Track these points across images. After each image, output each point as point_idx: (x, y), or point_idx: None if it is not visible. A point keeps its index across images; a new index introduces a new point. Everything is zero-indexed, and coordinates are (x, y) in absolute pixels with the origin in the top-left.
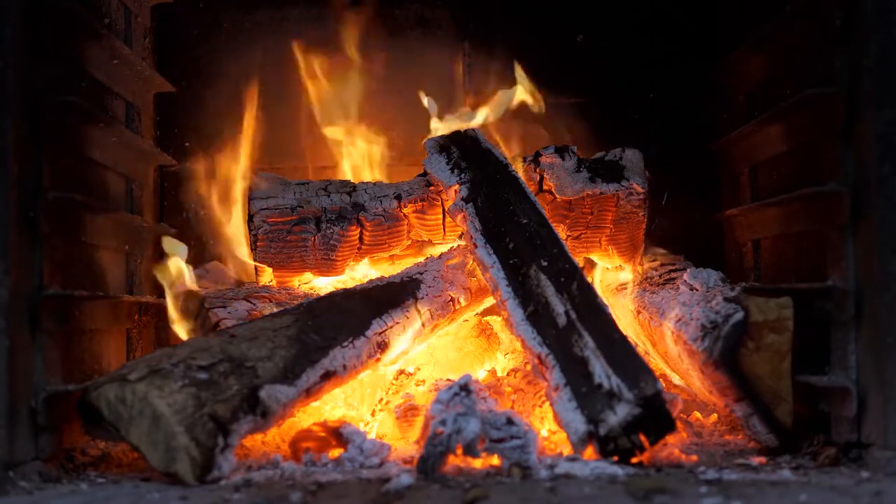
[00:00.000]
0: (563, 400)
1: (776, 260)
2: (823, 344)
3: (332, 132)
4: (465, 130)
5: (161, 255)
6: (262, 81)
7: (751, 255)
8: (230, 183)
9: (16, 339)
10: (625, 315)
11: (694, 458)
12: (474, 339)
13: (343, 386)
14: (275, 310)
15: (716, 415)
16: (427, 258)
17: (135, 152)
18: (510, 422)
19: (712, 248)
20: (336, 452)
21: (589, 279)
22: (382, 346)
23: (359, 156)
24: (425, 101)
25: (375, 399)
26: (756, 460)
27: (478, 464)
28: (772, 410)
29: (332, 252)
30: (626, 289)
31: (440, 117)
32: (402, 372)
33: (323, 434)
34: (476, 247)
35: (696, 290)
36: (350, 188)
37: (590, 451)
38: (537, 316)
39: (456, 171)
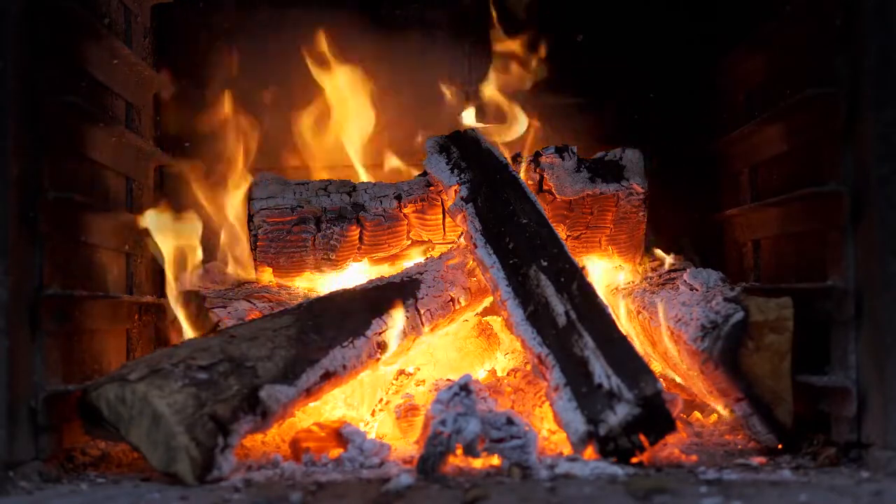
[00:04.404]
0: (563, 400)
1: (776, 260)
2: (823, 344)
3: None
4: (466, 130)
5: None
6: (262, 81)
7: (751, 255)
8: (230, 183)
9: (16, 339)
10: (624, 315)
11: (694, 458)
12: (474, 339)
13: (343, 386)
14: (275, 310)
15: (716, 415)
16: (427, 258)
17: (135, 152)
18: (510, 422)
19: (712, 248)
20: (336, 452)
21: (589, 279)
22: (382, 346)
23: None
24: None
25: (375, 399)
26: (756, 460)
27: (478, 464)
28: (772, 410)
29: (332, 252)
30: (625, 289)
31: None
32: (402, 372)
33: (323, 434)
34: (476, 247)
35: (696, 290)
36: (350, 188)
37: (590, 451)
38: (537, 316)
39: (456, 171)
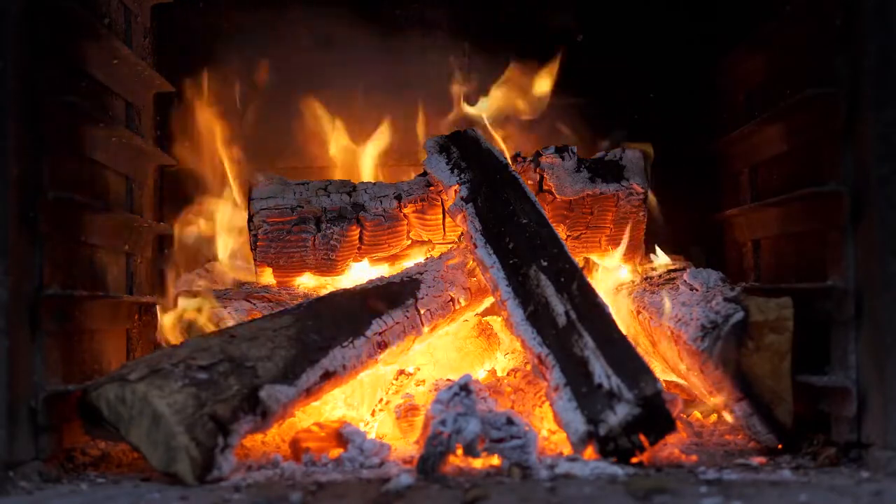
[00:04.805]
0: (563, 400)
1: (776, 260)
2: (823, 344)
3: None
4: (466, 130)
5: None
6: (262, 81)
7: (751, 255)
8: (230, 183)
9: (16, 339)
10: (625, 315)
11: (694, 458)
12: (474, 339)
13: (343, 386)
14: (275, 310)
15: (716, 415)
16: (427, 258)
17: (135, 152)
18: (510, 422)
19: (712, 248)
20: (336, 452)
21: (589, 279)
22: (382, 346)
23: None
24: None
25: (375, 399)
26: (756, 460)
27: (478, 464)
28: (772, 410)
29: (332, 252)
30: (625, 289)
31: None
32: (402, 372)
33: (323, 434)
34: (476, 247)
35: (696, 290)
36: (350, 188)
37: (590, 451)
38: (537, 316)
39: (456, 171)
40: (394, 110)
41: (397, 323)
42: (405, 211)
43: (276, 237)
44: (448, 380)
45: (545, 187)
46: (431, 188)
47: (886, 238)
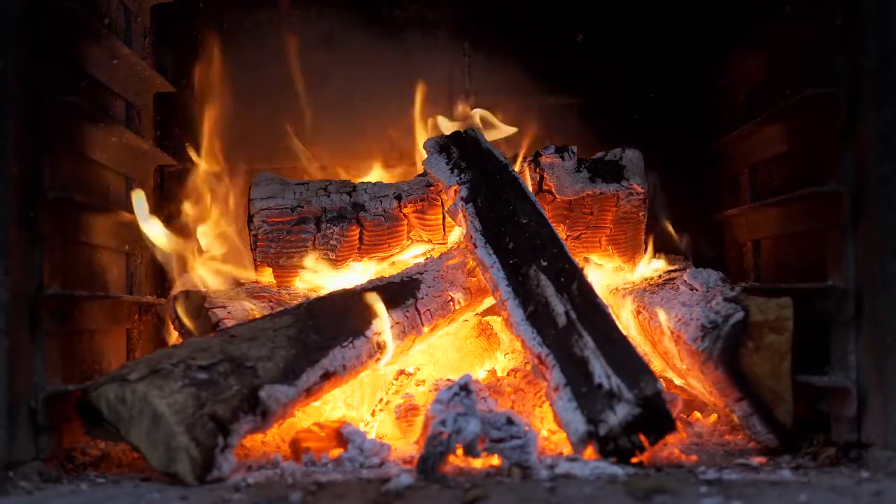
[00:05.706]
0: (563, 400)
1: (776, 260)
2: (823, 344)
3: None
4: (466, 130)
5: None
6: (262, 81)
7: (751, 255)
8: (230, 183)
9: (16, 339)
10: (625, 315)
11: (694, 458)
12: (474, 339)
13: (343, 386)
14: (275, 310)
15: (716, 415)
16: (427, 258)
17: (135, 152)
18: (510, 422)
19: (712, 248)
20: (336, 452)
21: (588, 279)
22: (382, 346)
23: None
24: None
25: (375, 399)
26: (756, 460)
27: (478, 464)
28: (772, 410)
29: (332, 252)
30: (625, 289)
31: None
32: (402, 372)
33: (323, 434)
34: (476, 247)
35: (696, 290)
36: (350, 188)
37: (590, 451)
38: (537, 316)
39: (456, 171)
40: (394, 110)
41: (397, 323)
42: (405, 211)
43: (275, 237)
44: (448, 380)
45: (545, 187)
46: (431, 188)
47: (886, 238)
